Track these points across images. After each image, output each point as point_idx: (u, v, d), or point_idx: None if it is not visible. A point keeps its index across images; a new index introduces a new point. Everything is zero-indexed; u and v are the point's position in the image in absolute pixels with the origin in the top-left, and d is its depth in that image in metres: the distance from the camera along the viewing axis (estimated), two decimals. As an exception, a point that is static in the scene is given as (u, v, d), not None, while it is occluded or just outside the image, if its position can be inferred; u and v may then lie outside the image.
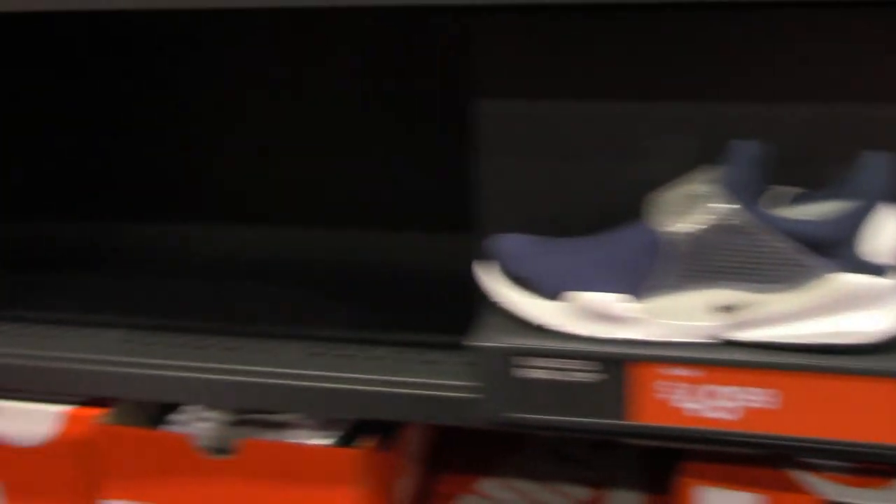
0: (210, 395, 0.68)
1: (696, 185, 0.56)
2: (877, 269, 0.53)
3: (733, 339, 0.56)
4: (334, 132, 0.90)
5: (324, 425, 0.74)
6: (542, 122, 0.65)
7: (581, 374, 0.58)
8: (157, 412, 0.78)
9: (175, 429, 0.75)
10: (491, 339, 0.59)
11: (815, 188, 0.59)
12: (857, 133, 0.59)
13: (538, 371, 0.59)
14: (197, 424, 0.76)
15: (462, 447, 0.89)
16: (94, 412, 0.73)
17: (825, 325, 0.54)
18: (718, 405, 0.56)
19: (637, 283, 0.58)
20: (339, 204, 0.91)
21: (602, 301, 0.58)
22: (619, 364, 0.57)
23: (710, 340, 0.57)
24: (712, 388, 0.56)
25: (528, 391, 0.59)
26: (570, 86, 0.64)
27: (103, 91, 0.94)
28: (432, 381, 0.64)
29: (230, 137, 0.92)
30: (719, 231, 0.54)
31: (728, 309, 0.56)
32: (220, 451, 0.71)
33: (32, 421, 0.74)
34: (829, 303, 0.54)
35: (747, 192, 0.54)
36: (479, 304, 0.69)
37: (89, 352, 0.72)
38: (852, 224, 0.53)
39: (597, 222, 0.66)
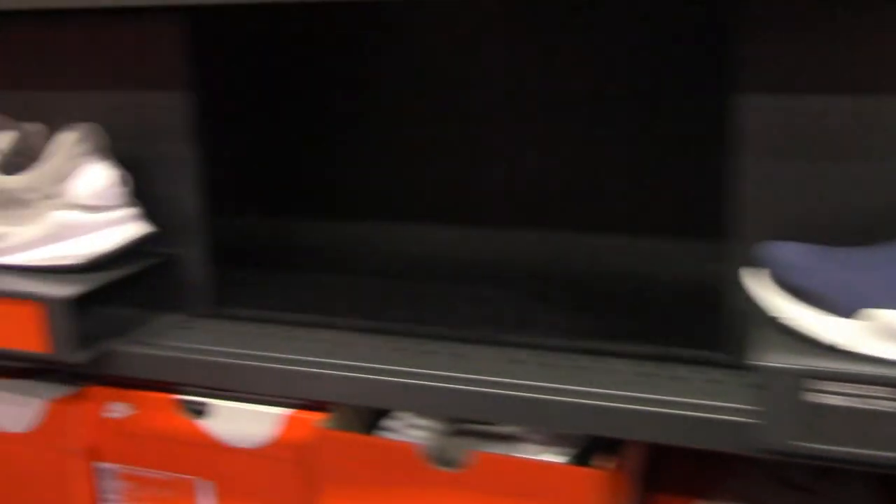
0: (440, 404, 0.65)
1: None
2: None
3: None
4: (569, 129, 0.85)
5: (551, 440, 0.69)
6: (810, 118, 0.59)
7: (886, 403, 0.52)
8: (371, 417, 0.75)
9: (391, 436, 0.72)
10: (780, 359, 0.54)
11: None
12: None
13: (834, 397, 0.53)
14: (411, 432, 0.73)
15: (677, 467, 0.83)
16: (315, 416, 0.71)
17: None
18: None
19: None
20: (572, 205, 0.86)
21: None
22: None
23: None
24: None
25: (820, 419, 0.53)
26: (843, 79, 0.58)
27: (310, 85, 0.92)
28: (694, 402, 0.59)
29: (442, 134, 0.88)
30: None
31: None
32: (448, 462, 0.67)
33: (250, 422, 0.72)
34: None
35: None
36: (733, 317, 0.63)
37: (306, 353, 0.69)
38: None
39: (872, 230, 0.59)
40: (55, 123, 0.74)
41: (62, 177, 0.70)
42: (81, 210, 0.71)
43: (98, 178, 0.71)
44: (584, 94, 0.83)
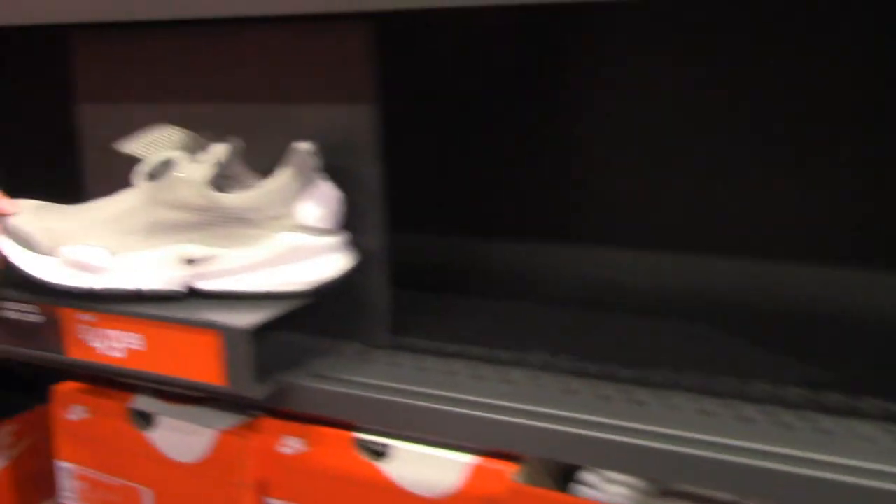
0: (638, 463, 0.56)
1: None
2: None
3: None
4: (781, 150, 0.75)
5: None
6: None
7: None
8: (566, 468, 0.67)
9: (589, 493, 0.64)
10: None
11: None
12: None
13: None
14: (611, 489, 0.64)
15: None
16: (505, 466, 0.64)
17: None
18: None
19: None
20: (780, 231, 0.76)
21: None
22: None
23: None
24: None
25: None
26: None
27: (492, 98, 0.85)
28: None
29: (631, 151, 0.79)
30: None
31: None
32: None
33: (435, 469, 0.65)
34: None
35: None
36: None
37: (494, 395, 0.62)
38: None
39: None
40: (233, 138, 0.70)
41: (290, 196, 0.66)
42: (308, 233, 0.66)
43: (328, 198, 0.67)
44: (797, 114, 0.73)
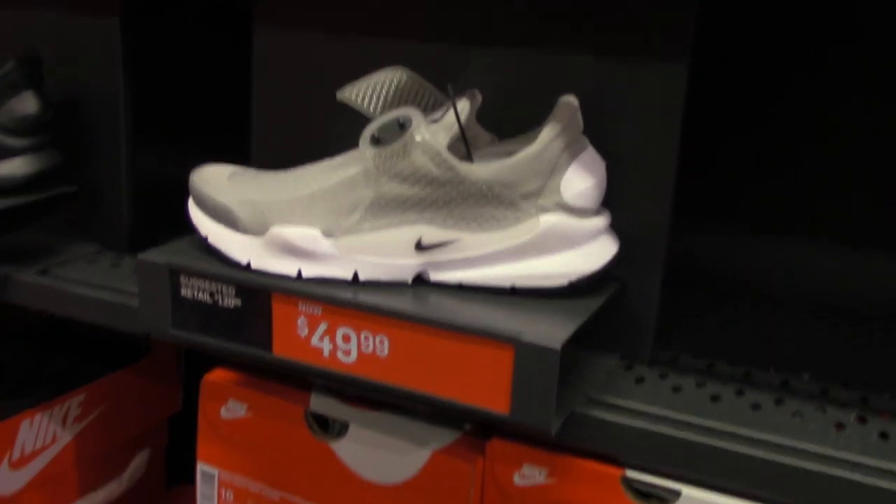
0: None
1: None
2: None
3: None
4: None
5: None
6: None
7: None
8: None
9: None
10: None
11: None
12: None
13: None
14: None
15: None
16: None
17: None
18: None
19: None
20: None
21: None
22: None
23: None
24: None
25: None
26: None
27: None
28: None
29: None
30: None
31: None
32: None
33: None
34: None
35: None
36: None
37: (791, 435, 0.49)
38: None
39: None
40: (469, 89, 0.55)
41: (551, 165, 0.52)
42: (572, 214, 0.52)
43: (596, 169, 0.53)
44: None
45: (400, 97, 0.57)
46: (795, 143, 0.69)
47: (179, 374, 0.98)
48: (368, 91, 0.57)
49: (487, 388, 0.49)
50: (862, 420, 0.52)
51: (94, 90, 0.72)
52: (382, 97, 0.57)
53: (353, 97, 0.57)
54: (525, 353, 0.47)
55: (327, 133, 0.64)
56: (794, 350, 0.61)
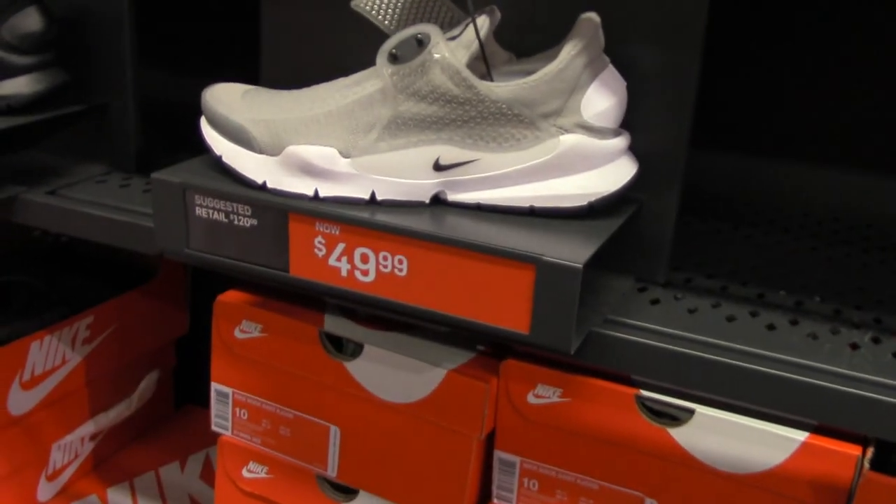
0: None
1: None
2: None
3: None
4: None
5: None
6: None
7: None
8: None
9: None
10: None
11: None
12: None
13: None
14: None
15: None
16: (843, 448, 0.52)
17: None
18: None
19: None
20: None
21: None
22: None
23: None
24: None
25: None
26: None
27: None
28: None
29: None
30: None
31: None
32: None
33: (747, 443, 0.54)
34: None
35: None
36: None
37: (806, 355, 0.50)
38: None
39: None
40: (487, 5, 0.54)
41: (572, 84, 0.51)
42: (592, 134, 0.52)
43: (616, 88, 0.52)
44: None
45: (416, 11, 0.56)
46: (809, 71, 0.68)
47: (187, 297, 0.98)
48: (383, 1, 0.56)
49: (507, 307, 0.49)
50: (876, 340, 0.52)
51: (98, 6, 0.70)
52: (398, 9, 0.56)
53: (367, 6, 0.56)
54: (547, 273, 0.47)
55: (338, 48, 0.63)
56: (806, 274, 0.61)
